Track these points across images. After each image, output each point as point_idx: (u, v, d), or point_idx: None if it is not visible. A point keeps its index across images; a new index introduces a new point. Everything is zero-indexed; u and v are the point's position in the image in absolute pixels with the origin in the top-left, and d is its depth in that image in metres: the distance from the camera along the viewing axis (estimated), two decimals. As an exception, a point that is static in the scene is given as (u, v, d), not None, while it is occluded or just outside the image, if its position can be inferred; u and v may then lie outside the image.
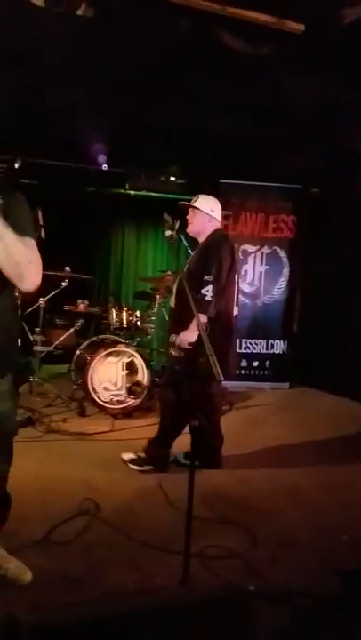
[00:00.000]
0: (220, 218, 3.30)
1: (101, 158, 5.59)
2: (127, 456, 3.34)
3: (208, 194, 3.36)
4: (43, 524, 2.51)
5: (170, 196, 6.31)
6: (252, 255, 5.76)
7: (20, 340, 2.06)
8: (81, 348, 4.72)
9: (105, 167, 5.80)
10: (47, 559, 2.26)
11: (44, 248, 1.99)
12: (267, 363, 5.78)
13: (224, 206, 5.78)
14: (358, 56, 2.86)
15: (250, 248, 5.74)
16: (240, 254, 5.69)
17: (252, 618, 1.16)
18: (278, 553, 2.42)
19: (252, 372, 5.76)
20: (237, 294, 3.32)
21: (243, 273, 5.72)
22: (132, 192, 6.35)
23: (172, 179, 6.22)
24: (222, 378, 2.00)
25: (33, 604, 1.94)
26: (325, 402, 5.28)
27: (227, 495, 3.01)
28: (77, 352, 4.73)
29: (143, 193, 6.37)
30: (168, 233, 2.57)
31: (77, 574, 2.18)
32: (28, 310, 4.80)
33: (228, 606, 1.17)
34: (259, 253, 5.76)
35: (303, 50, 2.72)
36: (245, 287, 5.73)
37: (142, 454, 3.30)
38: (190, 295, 2.26)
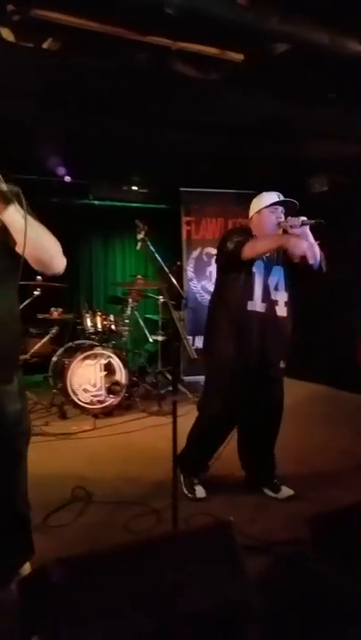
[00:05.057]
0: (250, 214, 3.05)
1: (62, 170, 5.75)
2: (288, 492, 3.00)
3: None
4: (40, 512, 2.68)
5: (134, 204, 6.60)
6: None
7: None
8: (58, 354, 4.87)
9: (68, 179, 5.99)
10: (47, 541, 2.43)
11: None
12: None
13: (185, 212, 6.11)
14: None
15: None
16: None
17: (234, 544, 1.36)
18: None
19: None
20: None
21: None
22: (96, 202, 6.57)
23: (134, 188, 6.48)
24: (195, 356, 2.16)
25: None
26: None
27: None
28: (54, 358, 4.87)
29: (107, 203, 6.60)
30: (140, 236, 2.79)
31: (78, 547, 2.38)
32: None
33: (210, 534, 1.39)
34: None
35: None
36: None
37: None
38: None
